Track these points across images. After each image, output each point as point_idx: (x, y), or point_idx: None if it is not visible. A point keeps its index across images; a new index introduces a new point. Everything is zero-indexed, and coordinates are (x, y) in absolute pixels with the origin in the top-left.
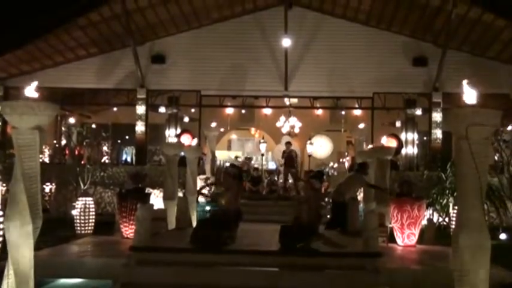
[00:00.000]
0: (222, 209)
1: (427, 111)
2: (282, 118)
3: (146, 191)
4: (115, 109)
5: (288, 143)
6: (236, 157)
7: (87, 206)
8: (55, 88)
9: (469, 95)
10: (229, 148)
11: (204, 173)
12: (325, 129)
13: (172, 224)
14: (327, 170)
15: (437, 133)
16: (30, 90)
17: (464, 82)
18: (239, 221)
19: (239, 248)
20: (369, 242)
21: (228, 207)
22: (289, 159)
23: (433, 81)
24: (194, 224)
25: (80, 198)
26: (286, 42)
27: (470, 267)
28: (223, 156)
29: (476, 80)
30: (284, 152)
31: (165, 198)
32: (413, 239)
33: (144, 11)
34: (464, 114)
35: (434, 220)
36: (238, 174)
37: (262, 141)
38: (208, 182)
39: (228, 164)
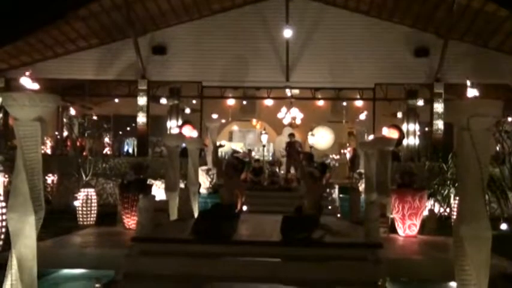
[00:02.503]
0: (224, 199)
1: (429, 102)
2: (284, 109)
3: (148, 182)
4: (116, 100)
5: (291, 135)
6: (235, 151)
7: (89, 197)
8: (56, 79)
9: (471, 89)
10: (230, 139)
11: (205, 164)
12: (326, 121)
13: (174, 215)
14: (328, 161)
15: (439, 124)
16: (28, 81)
17: (468, 82)
18: (240, 212)
19: (240, 238)
20: (370, 233)
21: (229, 198)
22: (292, 150)
23: (435, 72)
24: (196, 214)
25: (82, 190)
26: (287, 33)
27: (471, 257)
28: (224, 147)
29: (478, 71)
30: (287, 143)
31: (166, 190)
32: (415, 230)
33: (144, 2)
34: (466, 105)
35: (436, 211)
36: (241, 165)
37: (263, 132)
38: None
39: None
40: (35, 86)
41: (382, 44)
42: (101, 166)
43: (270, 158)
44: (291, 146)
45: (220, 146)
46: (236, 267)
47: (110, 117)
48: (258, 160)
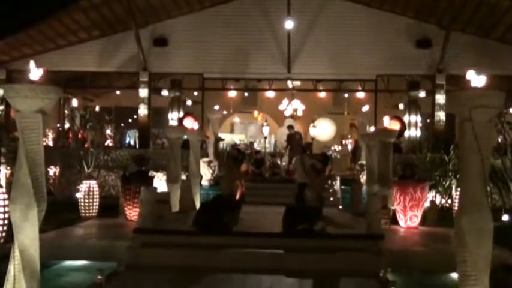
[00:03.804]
0: (224, 190)
1: (431, 94)
2: (285, 101)
3: (150, 174)
4: (118, 92)
5: (290, 127)
6: (235, 144)
7: (91, 189)
8: (58, 71)
9: (474, 80)
10: (232, 131)
11: (207, 156)
12: (328, 112)
13: (175, 206)
14: (330, 152)
15: (441, 115)
16: (33, 72)
17: (471, 72)
18: (241, 203)
19: (242, 230)
20: (371, 224)
21: (230, 190)
22: (293, 141)
23: (437, 63)
24: (197, 206)
25: (84, 182)
26: (289, 24)
27: (472, 248)
28: (226, 139)
29: (480, 62)
30: (288, 135)
31: (168, 181)
32: (416, 221)
33: None
34: (468, 96)
35: (437, 202)
36: (241, 156)
37: (265, 124)
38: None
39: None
40: (36, 76)
41: (384, 35)
42: (103, 158)
43: (272, 150)
44: (291, 137)
45: (220, 139)
46: (238, 259)
47: (111, 109)
48: (259, 152)
